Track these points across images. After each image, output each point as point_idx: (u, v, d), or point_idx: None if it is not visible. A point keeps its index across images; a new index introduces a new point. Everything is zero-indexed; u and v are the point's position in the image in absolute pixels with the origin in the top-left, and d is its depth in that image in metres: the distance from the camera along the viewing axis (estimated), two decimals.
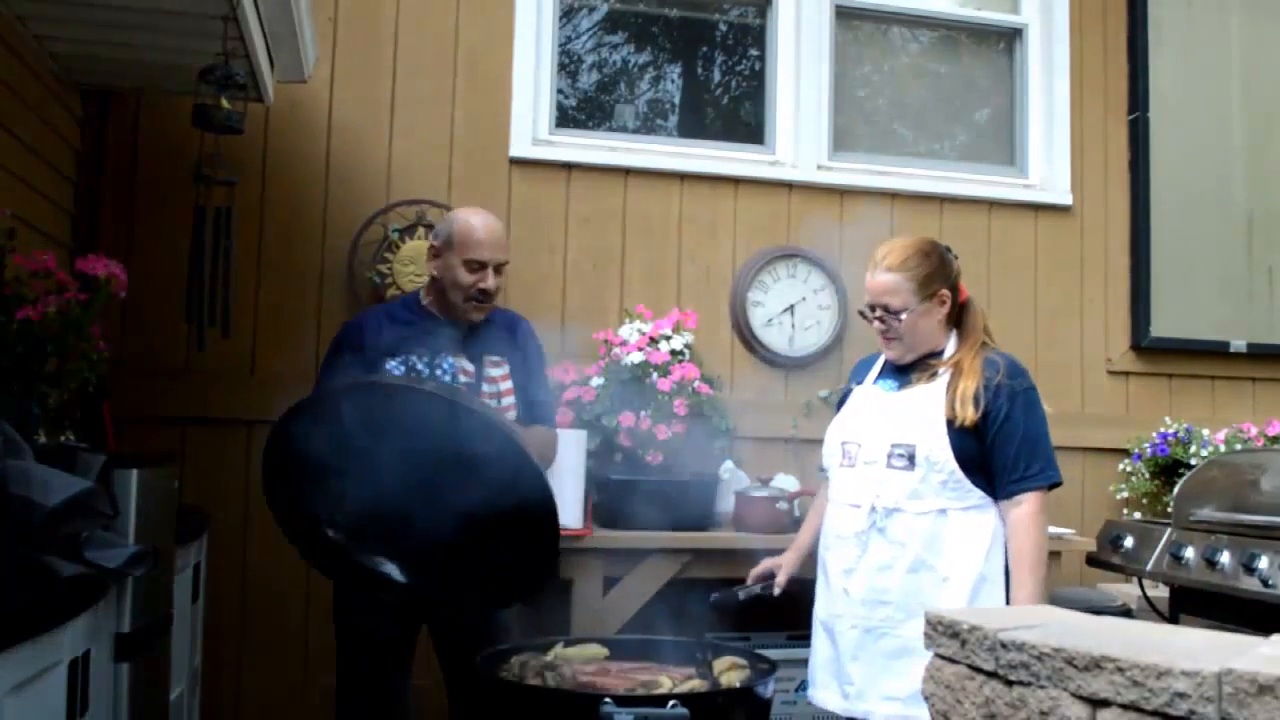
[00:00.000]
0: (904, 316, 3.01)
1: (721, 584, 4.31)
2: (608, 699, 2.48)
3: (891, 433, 2.98)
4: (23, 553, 2.35)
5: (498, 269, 3.43)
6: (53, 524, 2.36)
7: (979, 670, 1.75)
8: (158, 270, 4.19)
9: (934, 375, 3.05)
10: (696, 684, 2.72)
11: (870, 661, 2.91)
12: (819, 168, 5.04)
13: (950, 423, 2.92)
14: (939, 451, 2.90)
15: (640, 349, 4.48)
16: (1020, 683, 1.66)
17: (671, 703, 2.48)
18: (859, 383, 3.27)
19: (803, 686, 4.27)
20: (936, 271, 3.05)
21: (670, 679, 2.73)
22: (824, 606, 3.02)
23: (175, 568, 3.33)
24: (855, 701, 2.92)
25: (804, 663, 3.73)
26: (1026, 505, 2.90)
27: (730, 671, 2.83)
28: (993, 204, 5.21)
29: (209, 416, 4.44)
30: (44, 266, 2.91)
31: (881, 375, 3.20)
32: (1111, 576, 4.41)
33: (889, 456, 2.96)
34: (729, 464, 4.53)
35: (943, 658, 1.83)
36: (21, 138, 3.43)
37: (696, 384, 4.46)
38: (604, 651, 3.11)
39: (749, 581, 3.26)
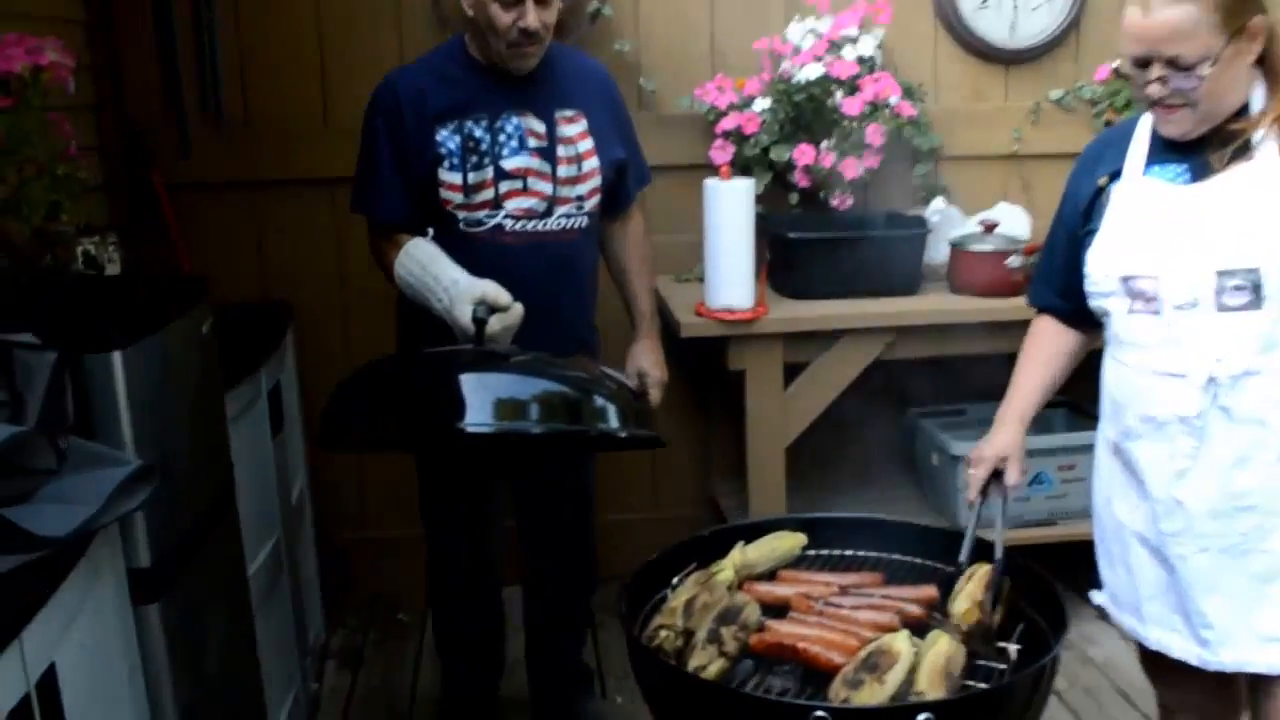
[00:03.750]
0: (1204, 71, 1.77)
1: (932, 366, 3.33)
2: (820, 712, 1.57)
3: (1212, 252, 1.81)
4: None
5: (541, 1, 2.33)
6: None
7: None
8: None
9: (1247, 148, 1.84)
10: (946, 647, 1.77)
11: (1235, 593, 1.88)
12: None
13: None
14: None
15: (817, 58, 3.28)
16: None
17: (923, 716, 1.56)
18: (1114, 174, 1.96)
19: (1040, 479, 3.35)
20: None
21: (901, 640, 1.78)
22: (1142, 519, 1.97)
23: (230, 418, 2.47)
24: (1218, 650, 1.91)
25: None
26: None
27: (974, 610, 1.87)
28: None
29: (282, 179, 3.48)
30: None
31: (1155, 160, 1.92)
32: None
33: (1219, 293, 1.81)
34: (939, 203, 3.39)
35: None
36: None
37: (895, 102, 3.26)
38: (799, 543, 2.17)
39: (972, 498, 2.12)
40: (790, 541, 2.16)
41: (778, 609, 1.98)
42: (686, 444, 3.74)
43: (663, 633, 1.80)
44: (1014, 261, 3.12)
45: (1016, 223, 3.35)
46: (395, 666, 3.40)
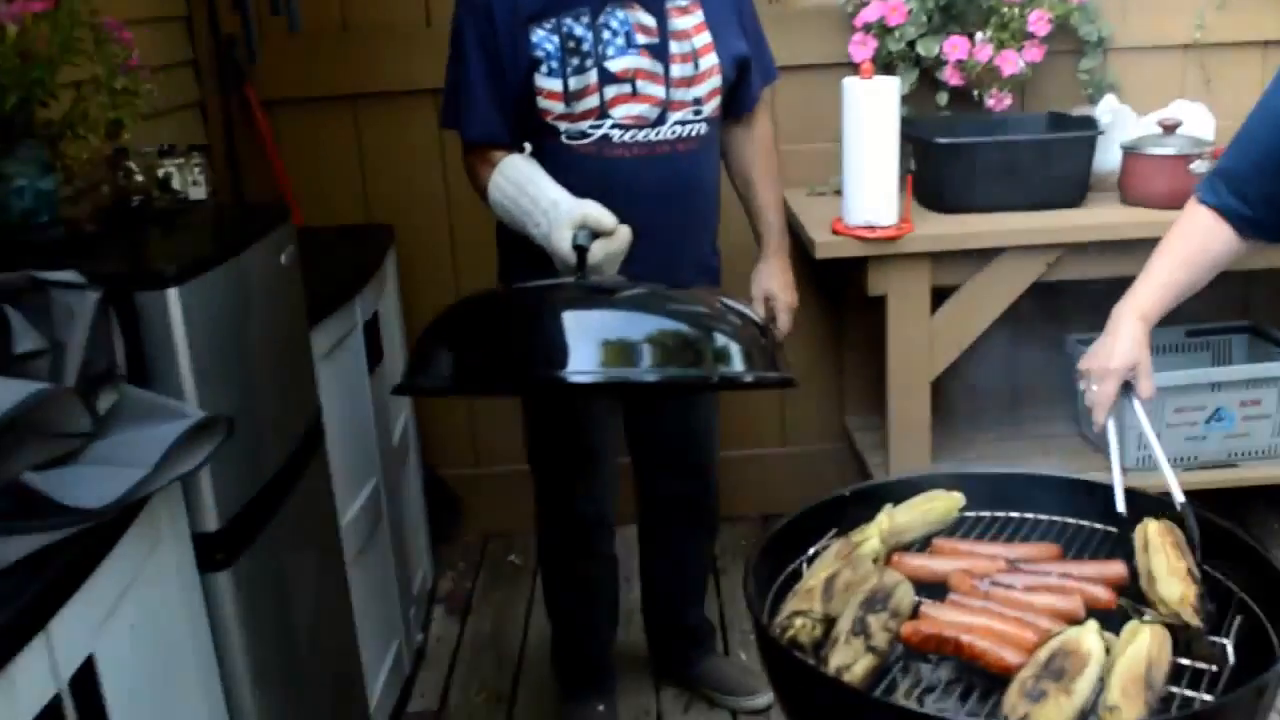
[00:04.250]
0: None
1: (1092, 286, 2.93)
2: None
3: None
4: None
5: None
6: None
7: None
8: None
9: None
10: (1147, 646, 1.44)
11: None
12: None
13: None
14: None
15: None
16: None
17: None
18: None
19: (1219, 416, 2.95)
20: None
21: (1090, 636, 1.46)
22: None
23: (318, 354, 2.25)
24: None
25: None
26: None
27: (1182, 606, 1.52)
28: None
29: (385, 90, 3.22)
30: None
31: None
32: None
33: None
34: (1110, 102, 2.97)
35: None
36: None
37: None
38: (956, 504, 1.85)
39: (1101, 420, 1.77)
40: (946, 503, 1.83)
41: (933, 588, 1.67)
42: (818, 374, 3.43)
43: (798, 621, 1.51)
44: (1198, 167, 2.70)
45: (1199, 122, 2.91)
46: (506, 613, 3.19)
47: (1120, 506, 1.68)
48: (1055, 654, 1.41)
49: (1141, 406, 1.76)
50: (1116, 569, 1.64)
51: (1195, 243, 1.78)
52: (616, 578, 2.68)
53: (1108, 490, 1.83)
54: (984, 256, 2.76)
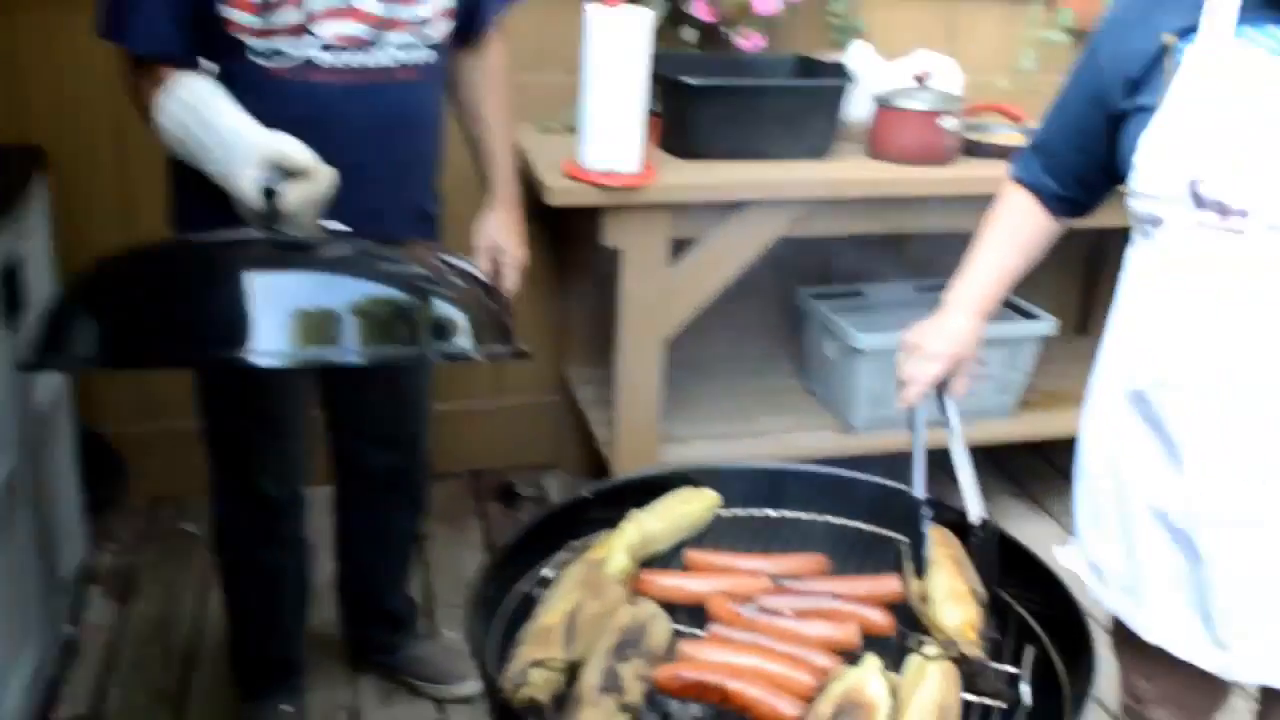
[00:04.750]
0: None
1: (852, 247, 2.80)
2: None
3: None
4: None
5: None
6: None
7: None
8: None
9: None
10: (937, 691, 1.24)
11: (1264, 589, 1.40)
12: None
13: None
14: None
15: None
16: None
17: None
18: (1184, 30, 1.36)
19: None
20: None
21: (873, 678, 1.25)
22: (1167, 493, 1.44)
23: None
24: (1235, 655, 1.44)
25: None
26: None
27: (964, 634, 1.34)
28: None
29: None
30: None
31: (1251, 16, 1.32)
32: None
33: None
34: (859, 47, 2.78)
35: None
36: None
37: None
38: (712, 505, 1.61)
39: (911, 401, 1.57)
40: (701, 504, 1.59)
41: (690, 611, 1.43)
42: (536, 321, 3.13)
43: (536, 675, 1.22)
44: (948, 123, 2.57)
45: (948, 77, 2.78)
46: (177, 594, 2.75)
47: (919, 491, 1.49)
48: (840, 709, 1.19)
49: (951, 406, 1.57)
50: (890, 586, 1.45)
51: (1022, 227, 1.62)
52: (309, 565, 2.32)
53: (869, 487, 1.65)
54: (727, 210, 2.53)
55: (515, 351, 1.48)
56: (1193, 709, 1.62)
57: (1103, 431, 1.55)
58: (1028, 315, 3.01)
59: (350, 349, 1.30)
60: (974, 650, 1.29)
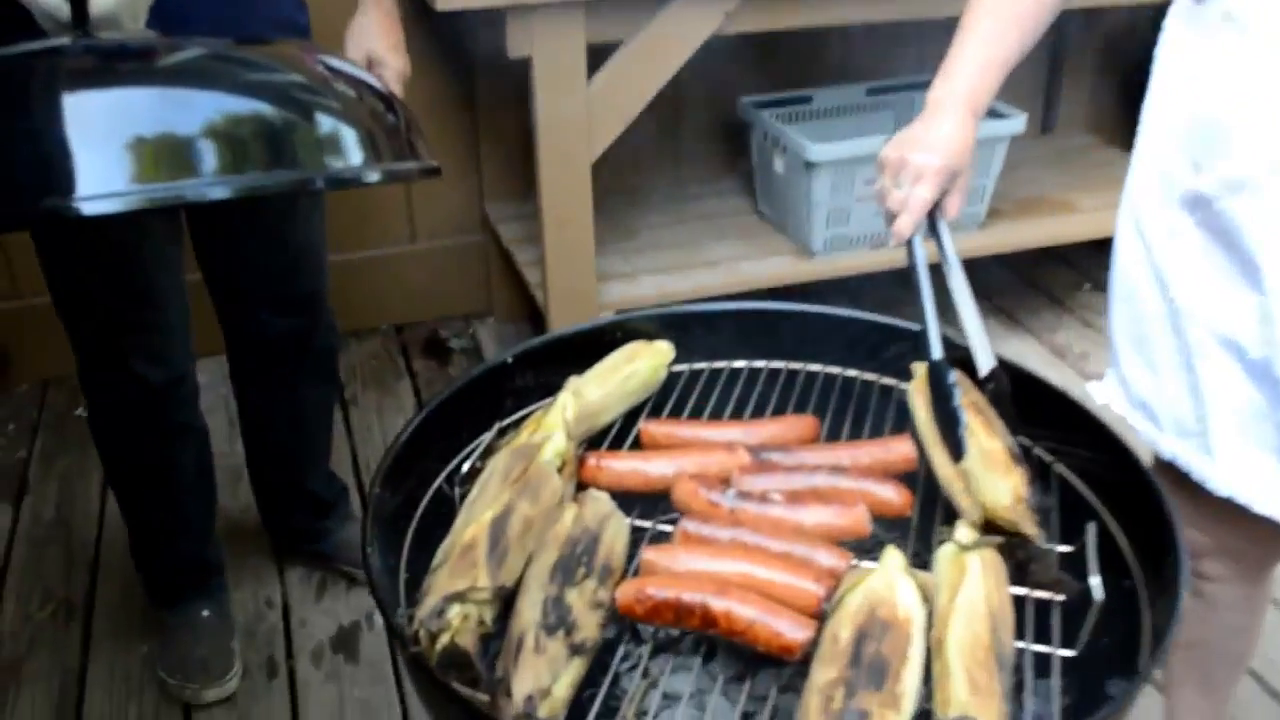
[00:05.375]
0: None
1: (796, 45, 2.43)
2: None
3: None
4: None
5: None
6: None
7: None
8: None
9: None
10: (981, 597, 0.93)
11: None
12: None
13: None
14: None
15: None
16: None
17: None
18: None
19: None
20: None
21: (903, 588, 0.94)
22: (1240, 319, 1.10)
23: None
24: None
25: None
26: None
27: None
28: None
29: None
30: None
31: None
32: None
33: None
34: None
35: None
36: None
37: None
38: (663, 362, 1.28)
39: (907, 232, 1.16)
40: (650, 362, 1.26)
41: (653, 500, 1.11)
42: (449, 155, 2.77)
43: (455, 614, 0.90)
44: None
45: None
46: (76, 489, 2.41)
47: (936, 351, 1.15)
48: (863, 630, 0.88)
49: (946, 230, 1.22)
50: (901, 451, 1.14)
51: None
52: (207, 453, 1.98)
53: (857, 326, 1.32)
54: (650, 6, 2.14)
55: (424, 169, 1.13)
56: (1252, 561, 1.35)
57: (1147, 246, 1.22)
58: (994, 114, 2.64)
59: (210, 181, 0.94)
60: (1031, 528, 0.99)
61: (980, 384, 1.13)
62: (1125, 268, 1.25)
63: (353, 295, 2.68)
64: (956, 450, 1.05)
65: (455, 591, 0.91)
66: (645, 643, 1.00)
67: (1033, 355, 2.78)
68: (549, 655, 0.87)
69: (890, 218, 1.19)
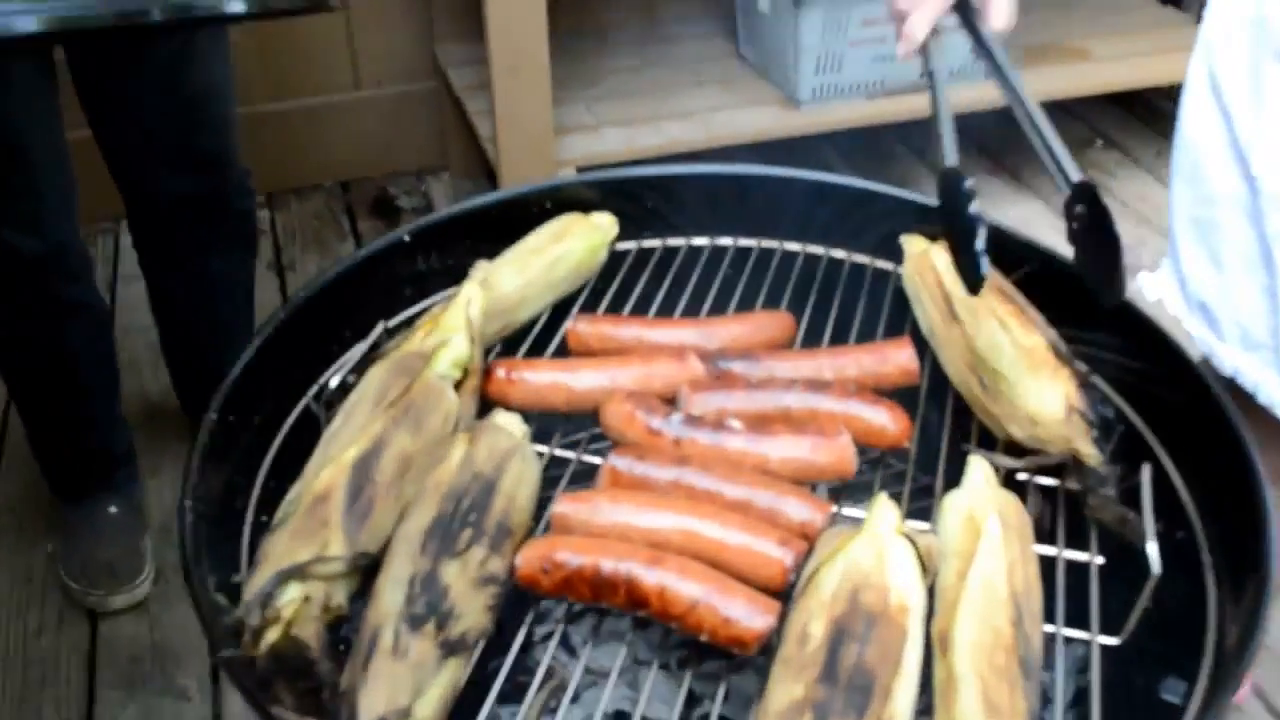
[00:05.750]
0: None
1: None
2: None
3: None
4: None
5: None
6: None
7: None
8: None
9: None
10: (1001, 578, 0.69)
11: None
12: None
13: None
14: None
15: None
16: None
17: None
18: None
19: None
20: None
21: (901, 563, 0.70)
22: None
23: None
24: None
25: None
26: None
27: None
28: None
29: None
30: None
31: None
32: None
33: None
34: None
35: None
36: None
37: None
38: (603, 242, 1.01)
39: (916, 40, 0.88)
40: (587, 241, 0.99)
41: (574, 422, 0.86)
42: None
43: (291, 599, 0.65)
44: None
45: None
46: None
47: (950, 158, 0.87)
48: (840, 627, 0.64)
49: (991, 39, 0.94)
50: (900, 360, 0.88)
51: None
52: (107, 333, 1.72)
53: (845, 194, 1.05)
54: None
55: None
56: None
57: (1226, 110, 0.95)
58: None
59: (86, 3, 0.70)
60: (1087, 446, 0.74)
61: (1067, 205, 0.85)
62: (1193, 137, 0.98)
63: (291, 148, 2.43)
64: (973, 272, 0.76)
65: (295, 564, 0.66)
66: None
67: (1040, 222, 2.50)
68: (412, 660, 0.63)
69: (898, 19, 0.91)
